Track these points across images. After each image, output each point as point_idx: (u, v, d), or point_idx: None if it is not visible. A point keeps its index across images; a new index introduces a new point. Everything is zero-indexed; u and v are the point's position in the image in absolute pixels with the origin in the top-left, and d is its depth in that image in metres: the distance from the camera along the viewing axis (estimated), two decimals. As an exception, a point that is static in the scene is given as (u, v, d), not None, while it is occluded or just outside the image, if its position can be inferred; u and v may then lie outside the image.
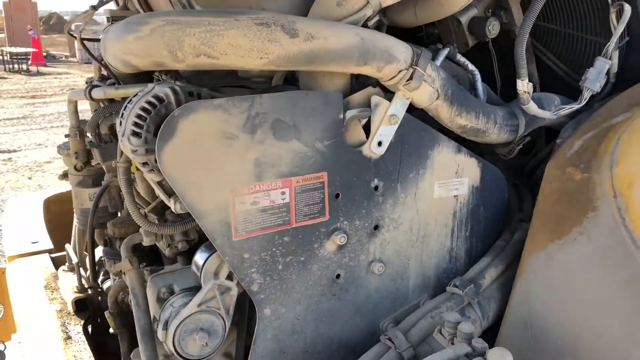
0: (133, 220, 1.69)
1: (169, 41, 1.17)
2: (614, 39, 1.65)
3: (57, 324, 1.88)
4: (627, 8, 1.65)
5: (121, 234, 1.76)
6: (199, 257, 1.34)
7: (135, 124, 1.23)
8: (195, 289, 1.37)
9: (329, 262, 1.42)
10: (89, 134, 1.72)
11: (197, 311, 1.29)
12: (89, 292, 1.97)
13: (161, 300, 1.38)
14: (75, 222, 2.33)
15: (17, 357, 1.74)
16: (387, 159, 1.43)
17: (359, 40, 1.27)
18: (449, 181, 1.57)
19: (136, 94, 1.32)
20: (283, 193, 1.31)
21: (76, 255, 2.18)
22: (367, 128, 1.41)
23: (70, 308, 1.97)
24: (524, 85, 1.51)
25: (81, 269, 2.03)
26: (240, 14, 1.19)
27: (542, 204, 1.59)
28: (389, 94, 1.43)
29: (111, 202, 1.95)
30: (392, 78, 1.35)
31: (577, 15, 1.94)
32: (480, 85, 1.68)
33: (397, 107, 1.40)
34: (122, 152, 1.42)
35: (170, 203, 1.31)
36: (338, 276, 1.45)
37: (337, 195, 1.38)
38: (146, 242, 1.48)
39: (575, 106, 1.65)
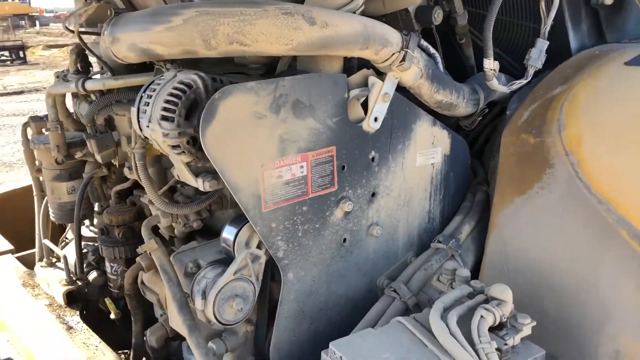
0: (128, 207, 1.76)
1: (203, 30, 1.26)
2: (549, 21, 1.93)
3: (52, 317, 1.88)
4: None
5: (119, 222, 1.82)
6: (228, 232, 1.45)
7: (166, 109, 1.31)
8: (221, 261, 1.48)
9: (337, 227, 1.58)
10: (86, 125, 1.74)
11: (233, 279, 1.40)
12: (79, 283, 1.99)
13: (190, 275, 1.47)
14: (38, 218, 2.30)
15: (18, 353, 1.73)
16: (381, 133, 1.61)
17: (363, 27, 1.43)
18: (427, 151, 1.79)
19: (153, 82, 1.40)
20: (302, 167, 1.45)
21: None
22: (364, 106, 1.58)
23: (61, 301, 1.97)
24: (490, 64, 1.74)
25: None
26: (267, 4, 1.31)
27: (504, 167, 1.84)
28: (380, 75, 1.61)
29: (93, 193, 1.99)
30: (386, 60, 1.53)
31: (509, 2, 2.22)
32: (441, 66, 1.90)
33: (389, 86, 1.58)
34: (137, 139, 1.49)
35: (198, 182, 1.41)
36: (345, 240, 1.61)
37: (343, 167, 1.54)
38: (164, 223, 1.56)
39: (524, 82, 1.91)
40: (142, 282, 1.67)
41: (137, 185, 1.93)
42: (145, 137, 1.43)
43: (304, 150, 1.44)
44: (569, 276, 1.57)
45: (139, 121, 1.40)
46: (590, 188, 1.61)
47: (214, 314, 1.38)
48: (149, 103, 1.36)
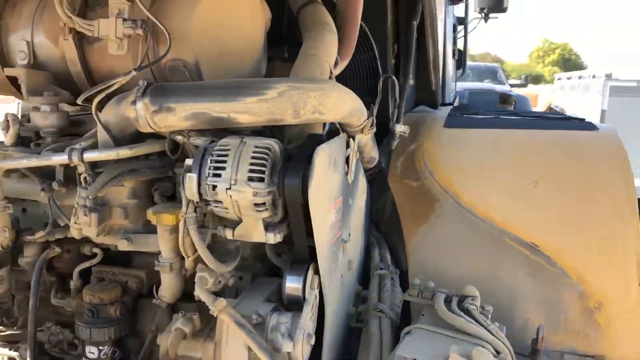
0: (111, 283, 1.73)
1: (297, 102, 1.46)
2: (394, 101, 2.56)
3: None
4: (395, 80, 2.60)
5: (111, 299, 1.69)
6: (294, 281, 1.59)
7: (254, 171, 1.45)
8: (275, 307, 1.60)
9: (340, 265, 1.85)
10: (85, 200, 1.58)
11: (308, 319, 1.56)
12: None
13: (258, 325, 1.55)
14: None
15: None
16: (352, 183, 1.97)
17: (359, 102, 1.80)
18: (363, 195, 2.19)
19: (206, 149, 1.50)
20: (336, 211, 1.71)
21: None
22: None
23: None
24: (402, 127, 2.27)
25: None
26: (325, 81, 1.58)
27: (401, 206, 2.38)
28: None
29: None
30: (360, 125, 1.91)
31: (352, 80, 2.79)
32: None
33: (359, 145, 1.96)
34: (187, 204, 1.53)
35: (269, 237, 1.53)
36: (342, 276, 1.89)
37: (342, 213, 1.84)
38: (211, 284, 1.58)
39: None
40: (167, 353, 1.61)
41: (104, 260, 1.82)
42: (202, 201, 1.50)
43: (335, 198, 1.71)
44: (478, 277, 2.18)
45: (200, 185, 1.47)
46: (474, 212, 2.27)
47: (302, 354, 1.52)
48: (223, 167, 1.46)
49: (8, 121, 1.70)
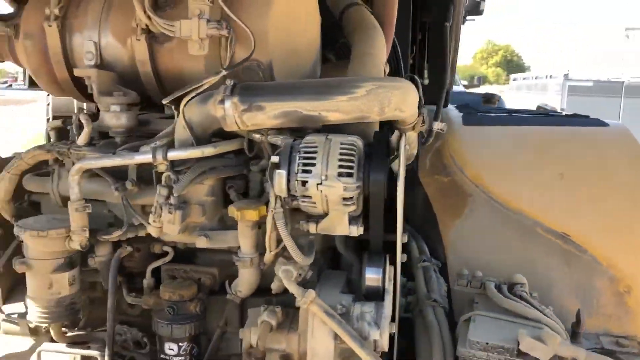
0: (188, 281, 1.76)
1: (383, 100, 1.53)
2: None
3: None
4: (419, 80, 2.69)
5: (191, 295, 1.72)
6: (374, 272, 1.65)
7: (343, 166, 1.51)
8: (351, 295, 1.66)
9: (401, 257, 1.93)
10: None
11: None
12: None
13: (344, 315, 1.61)
14: None
15: None
16: (404, 179, 2.04)
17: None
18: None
19: (292, 146, 1.56)
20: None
21: None
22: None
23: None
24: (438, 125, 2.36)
25: None
26: (403, 80, 1.65)
27: (435, 201, 2.47)
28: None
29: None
30: (413, 122, 1.99)
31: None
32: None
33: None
34: (275, 199, 1.57)
35: (352, 229, 1.60)
36: (400, 267, 1.96)
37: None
38: (295, 277, 1.63)
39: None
40: (251, 346, 1.65)
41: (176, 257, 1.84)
42: (289, 197, 1.55)
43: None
44: (514, 266, 2.29)
45: (289, 181, 1.53)
46: (506, 205, 2.39)
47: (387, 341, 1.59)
48: (312, 164, 1.52)
49: (80, 121, 1.70)
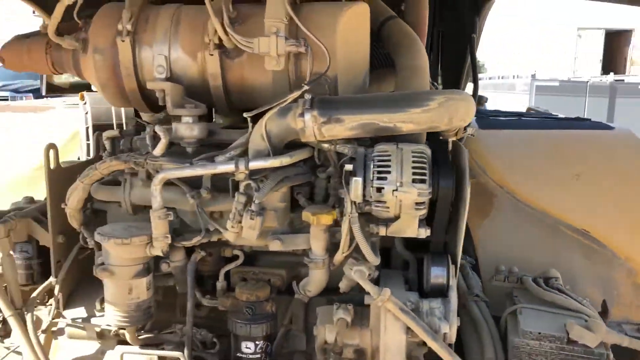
0: (261, 282, 1.87)
1: (452, 112, 1.66)
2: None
3: None
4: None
5: (266, 295, 1.82)
6: (440, 271, 1.79)
7: (417, 174, 1.64)
8: (414, 292, 1.79)
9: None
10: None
11: (454, 302, 1.76)
12: None
13: (415, 311, 1.73)
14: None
15: None
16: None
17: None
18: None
19: (366, 155, 1.68)
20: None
21: None
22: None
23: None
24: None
25: None
26: (465, 92, 1.78)
27: (463, 201, 2.61)
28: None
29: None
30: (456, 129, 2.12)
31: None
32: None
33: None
34: (351, 204, 1.68)
35: (420, 232, 1.72)
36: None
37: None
38: (367, 275, 1.75)
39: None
40: (326, 342, 1.76)
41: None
42: (363, 202, 1.67)
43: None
44: (541, 261, 2.46)
45: (364, 188, 1.64)
46: (529, 204, 2.55)
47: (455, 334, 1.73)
48: (388, 171, 1.64)
49: (156, 133, 1.78)
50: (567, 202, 2.56)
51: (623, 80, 12.31)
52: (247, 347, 1.79)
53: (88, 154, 2.40)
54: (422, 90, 1.79)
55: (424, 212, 1.68)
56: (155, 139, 1.80)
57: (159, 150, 1.77)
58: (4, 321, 2.06)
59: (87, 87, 4.50)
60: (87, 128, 2.46)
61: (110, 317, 1.79)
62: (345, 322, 1.72)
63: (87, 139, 2.43)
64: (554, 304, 2.01)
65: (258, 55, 1.75)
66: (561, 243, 2.49)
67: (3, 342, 2.07)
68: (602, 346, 1.84)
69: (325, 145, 1.79)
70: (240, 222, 1.73)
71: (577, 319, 1.93)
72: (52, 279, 2.02)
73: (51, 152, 1.95)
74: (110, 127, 2.47)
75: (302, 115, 1.65)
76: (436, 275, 1.80)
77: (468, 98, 1.71)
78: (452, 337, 1.72)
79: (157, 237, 1.72)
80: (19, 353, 2.01)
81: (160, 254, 1.75)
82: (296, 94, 1.66)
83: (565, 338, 1.84)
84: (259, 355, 1.80)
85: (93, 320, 2.01)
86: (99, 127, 2.44)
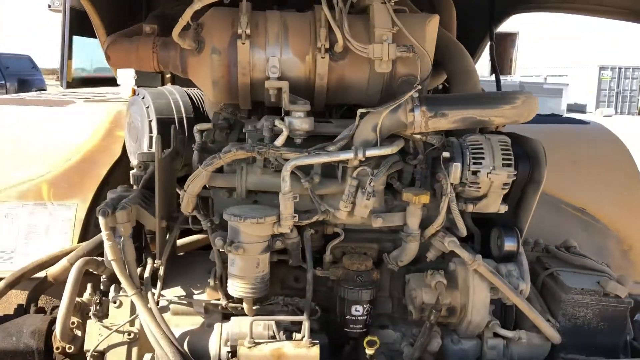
0: (363, 255, 2.18)
1: (531, 108, 2.03)
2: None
3: None
4: None
5: (371, 266, 2.11)
6: (512, 240, 2.16)
7: (506, 158, 2.01)
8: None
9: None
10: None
11: (525, 265, 2.16)
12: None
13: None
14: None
15: None
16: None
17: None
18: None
19: (462, 143, 2.03)
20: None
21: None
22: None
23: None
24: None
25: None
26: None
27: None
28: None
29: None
30: None
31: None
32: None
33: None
34: (450, 186, 2.02)
35: (501, 207, 2.08)
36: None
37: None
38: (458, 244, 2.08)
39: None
40: (423, 303, 2.09)
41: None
42: (460, 184, 2.02)
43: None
44: (548, 234, 2.91)
45: (463, 172, 1.99)
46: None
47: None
48: (482, 157, 1.99)
49: (275, 126, 2.02)
50: (566, 184, 3.04)
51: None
52: (357, 310, 2.08)
53: (150, 146, 2.55)
54: (508, 91, 2.14)
55: (506, 190, 2.05)
56: (272, 130, 2.05)
57: (280, 140, 2.01)
58: (100, 302, 2.22)
59: (94, 82, 4.53)
60: (150, 121, 2.60)
61: (237, 289, 2.01)
62: (443, 285, 2.06)
63: (150, 131, 2.57)
64: (583, 266, 2.45)
65: (359, 58, 2.04)
66: (564, 219, 2.96)
67: (102, 322, 2.21)
68: (629, 296, 2.30)
69: (417, 137, 2.11)
70: (352, 202, 2.02)
71: (603, 277, 2.38)
72: (157, 260, 2.19)
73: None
74: (171, 120, 2.64)
75: (412, 110, 1.96)
76: (509, 244, 2.18)
77: (536, 97, 2.10)
78: (527, 293, 2.11)
79: (286, 217, 1.97)
80: (121, 332, 2.17)
81: (288, 231, 2.00)
82: (410, 93, 1.96)
83: (602, 292, 2.28)
84: (365, 317, 2.09)
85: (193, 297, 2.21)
86: (161, 121, 2.61)
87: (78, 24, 3.69)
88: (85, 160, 2.86)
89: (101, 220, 2.01)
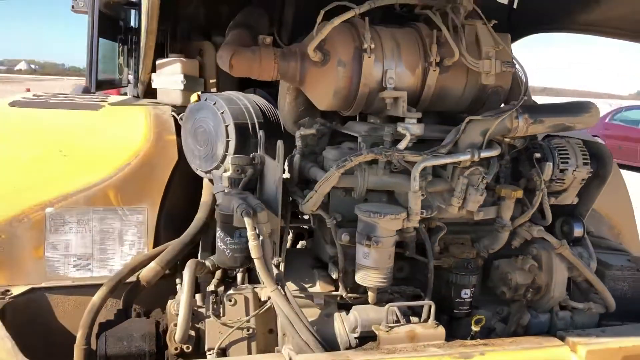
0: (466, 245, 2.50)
1: (598, 116, 2.43)
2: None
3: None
4: None
5: (476, 254, 2.40)
6: (578, 227, 2.55)
7: (584, 158, 2.40)
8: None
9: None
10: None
11: (589, 247, 2.57)
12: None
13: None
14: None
15: None
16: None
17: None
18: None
19: (550, 145, 2.40)
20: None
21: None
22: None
23: None
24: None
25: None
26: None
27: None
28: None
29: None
30: None
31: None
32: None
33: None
34: (541, 182, 2.38)
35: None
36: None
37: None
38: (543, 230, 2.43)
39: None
40: (517, 284, 2.42)
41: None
42: (550, 180, 2.39)
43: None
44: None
45: (553, 170, 2.37)
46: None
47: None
48: (568, 157, 2.38)
49: (396, 131, 2.26)
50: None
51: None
52: (465, 293, 2.37)
53: (226, 150, 2.67)
54: (582, 100, 2.52)
55: (582, 185, 2.44)
56: (393, 135, 2.28)
57: (404, 144, 2.25)
58: (217, 302, 2.32)
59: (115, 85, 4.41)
60: (227, 126, 2.69)
61: (370, 279, 2.21)
62: (535, 267, 2.41)
63: (227, 136, 2.68)
64: (608, 247, 2.92)
65: (459, 70, 2.35)
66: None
67: (219, 320, 2.31)
68: (653, 269, 2.80)
69: (507, 140, 2.44)
70: (463, 198, 2.30)
71: (627, 254, 2.86)
72: (277, 258, 2.33)
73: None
74: (246, 125, 2.77)
75: (517, 117, 2.29)
76: (578, 230, 2.58)
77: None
78: (594, 270, 2.52)
79: (416, 212, 2.21)
80: (240, 329, 2.30)
81: (416, 225, 2.24)
82: (518, 103, 2.28)
83: (636, 267, 2.75)
84: (470, 299, 2.39)
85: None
86: (238, 126, 2.72)
87: (102, 27, 3.63)
88: (144, 165, 2.87)
89: (247, 221, 2.12)
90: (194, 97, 2.89)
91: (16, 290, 2.49)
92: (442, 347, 2.11)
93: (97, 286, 2.42)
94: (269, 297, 2.22)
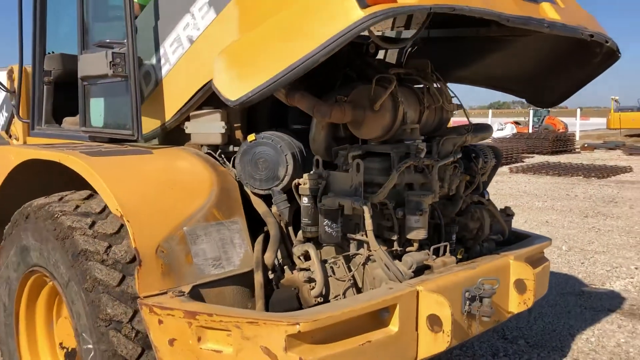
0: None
1: None
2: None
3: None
4: None
5: None
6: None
7: None
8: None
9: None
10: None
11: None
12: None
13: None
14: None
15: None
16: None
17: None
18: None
19: None
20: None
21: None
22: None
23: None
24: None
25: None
26: None
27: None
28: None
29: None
30: None
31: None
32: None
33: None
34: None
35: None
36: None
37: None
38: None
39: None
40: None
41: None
42: (480, 169, 4.33)
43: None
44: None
45: (481, 163, 4.31)
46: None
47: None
48: (487, 155, 4.35)
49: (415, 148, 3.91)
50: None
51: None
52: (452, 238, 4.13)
53: (286, 172, 3.88)
54: (486, 123, 4.44)
55: None
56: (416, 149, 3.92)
57: (422, 155, 3.91)
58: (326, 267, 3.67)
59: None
60: (286, 155, 3.87)
61: (420, 235, 3.80)
62: (477, 217, 4.30)
63: (286, 162, 3.89)
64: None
65: (437, 109, 4.12)
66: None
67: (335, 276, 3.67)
68: None
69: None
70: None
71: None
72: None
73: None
74: (294, 153, 4.09)
75: (469, 135, 4.12)
76: (486, 195, 4.53)
77: None
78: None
79: (437, 192, 3.88)
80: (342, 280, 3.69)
81: (436, 200, 3.91)
82: (470, 128, 4.11)
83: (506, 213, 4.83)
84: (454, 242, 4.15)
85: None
86: (292, 154, 4.01)
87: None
88: (221, 190, 3.92)
89: (366, 209, 3.52)
90: (251, 137, 4.03)
91: (185, 289, 3.38)
92: (457, 266, 3.83)
93: (230, 277, 3.50)
94: (368, 257, 3.66)
